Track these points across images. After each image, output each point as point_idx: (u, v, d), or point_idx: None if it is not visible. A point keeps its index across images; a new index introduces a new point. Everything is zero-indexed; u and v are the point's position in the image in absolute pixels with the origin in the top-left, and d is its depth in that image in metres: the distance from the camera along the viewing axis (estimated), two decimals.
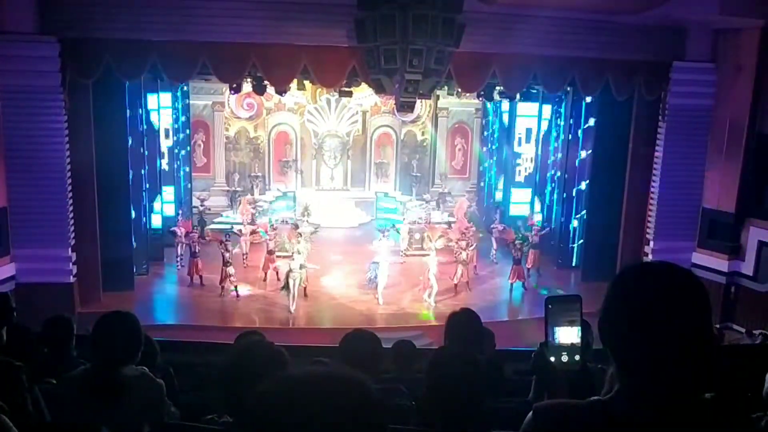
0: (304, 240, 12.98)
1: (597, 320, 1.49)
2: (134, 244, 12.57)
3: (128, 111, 12.22)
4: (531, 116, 16.24)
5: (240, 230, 14.33)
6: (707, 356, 1.37)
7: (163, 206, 14.86)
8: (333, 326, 10.99)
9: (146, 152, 13.48)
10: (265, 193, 18.84)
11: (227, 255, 12.45)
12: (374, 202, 18.48)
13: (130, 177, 12.28)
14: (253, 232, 14.29)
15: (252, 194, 18.58)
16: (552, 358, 1.83)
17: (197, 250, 12.95)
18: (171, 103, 15.56)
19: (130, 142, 12.24)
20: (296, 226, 14.10)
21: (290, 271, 11.82)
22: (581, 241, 14.29)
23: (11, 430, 2.70)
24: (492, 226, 15.35)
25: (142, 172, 13.24)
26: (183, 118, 16.59)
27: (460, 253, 12.91)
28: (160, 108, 14.65)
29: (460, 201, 16.71)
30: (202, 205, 16.81)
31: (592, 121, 13.79)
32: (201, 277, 12.94)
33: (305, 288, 12.25)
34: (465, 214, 16.25)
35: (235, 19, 10.25)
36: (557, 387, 1.85)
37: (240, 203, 16.90)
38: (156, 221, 14.45)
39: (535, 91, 13.40)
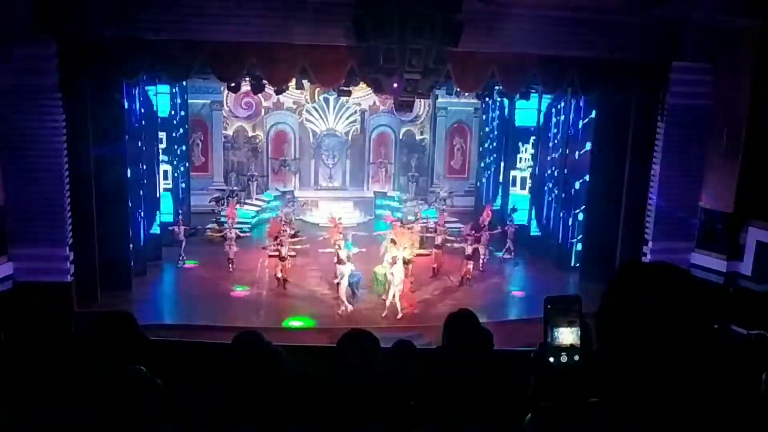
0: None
1: (595, 320, 1.48)
2: (132, 243, 12.53)
3: (126, 110, 12.20)
4: (529, 114, 16.21)
5: (227, 233, 13.66)
6: (705, 357, 1.37)
7: (162, 208, 14.85)
8: (331, 326, 10.99)
9: (144, 151, 13.46)
10: (263, 193, 18.88)
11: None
12: (373, 202, 18.55)
13: (128, 176, 12.25)
14: (238, 237, 13.83)
15: (250, 194, 18.63)
16: (551, 359, 1.82)
17: (285, 253, 12.69)
18: (169, 103, 15.55)
19: (127, 141, 12.20)
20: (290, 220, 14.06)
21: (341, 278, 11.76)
22: (580, 236, 14.30)
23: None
24: (506, 227, 15.26)
25: (140, 171, 13.21)
26: (181, 117, 16.59)
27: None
28: (158, 107, 14.63)
29: (486, 208, 16.07)
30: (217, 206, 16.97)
31: (590, 122, 13.80)
32: (286, 280, 12.71)
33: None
34: (489, 221, 15.91)
35: (233, 18, 10.25)
36: (556, 388, 1.84)
37: (228, 203, 16.94)
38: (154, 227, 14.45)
39: (534, 91, 13.39)
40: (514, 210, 15.93)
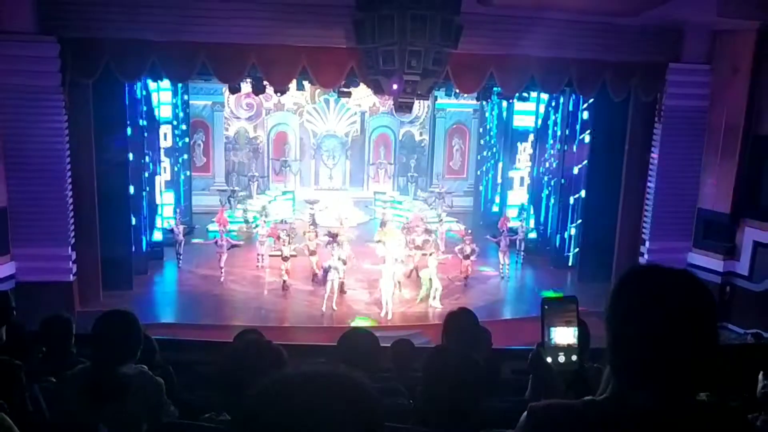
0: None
1: (595, 319, 1.49)
2: (133, 243, 12.57)
3: (128, 111, 12.22)
4: (528, 113, 16.25)
5: (218, 241, 13.14)
6: (708, 359, 1.37)
7: (164, 215, 14.84)
8: (331, 325, 11.03)
9: (146, 151, 13.49)
10: (266, 192, 18.90)
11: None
12: (372, 202, 18.56)
13: (130, 176, 12.29)
14: (232, 246, 13.38)
15: (251, 194, 18.64)
16: (549, 359, 1.82)
17: (287, 253, 12.60)
18: (171, 103, 15.57)
19: (129, 140, 12.22)
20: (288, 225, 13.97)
21: (329, 269, 11.77)
22: (576, 249, 14.35)
23: (11, 429, 2.73)
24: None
25: (141, 171, 13.23)
26: (183, 120, 16.62)
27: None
28: (160, 107, 14.66)
29: (505, 213, 15.84)
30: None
31: (588, 122, 13.81)
32: (286, 280, 12.62)
33: (342, 284, 12.22)
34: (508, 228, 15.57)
35: (234, 19, 10.26)
36: (554, 388, 1.86)
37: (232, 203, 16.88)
38: (156, 236, 14.50)
39: (533, 93, 13.41)
40: (523, 210, 15.95)
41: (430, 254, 12.36)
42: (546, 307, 1.83)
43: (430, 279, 12.07)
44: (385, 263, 11.76)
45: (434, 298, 12.02)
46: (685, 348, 1.35)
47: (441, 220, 15.58)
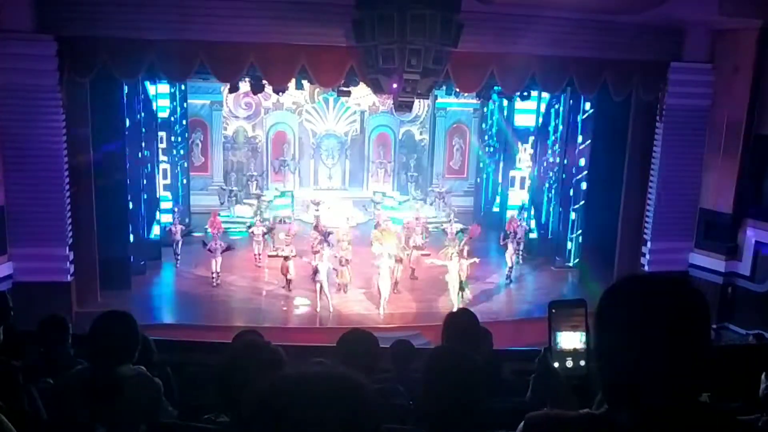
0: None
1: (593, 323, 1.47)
2: (131, 243, 12.54)
3: (126, 110, 12.21)
4: (530, 111, 16.21)
5: (211, 245, 12.77)
6: (702, 369, 1.34)
7: (161, 216, 14.78)
8: (330, 326, 11.01)
9: (144, 151, 13.47)
10: (264, 193, 18.88)
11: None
12: (372, 202, 18.53)
13: (128, 176, 12.27)
14: (226, 249, 13.03)
15: (249, 194, 18.61)
16: (556, 364, 1.81)
17: (290, 253, 12.49)
18: (169, 103, 15.55)
19: (127, 140, 12.21)
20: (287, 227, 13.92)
21: (317, 272, 11.78)
22: (577, 260, 14.34)
23: (8, 429, 2.70)
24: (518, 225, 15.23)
25: (140, 171, 13.22)
26: (181, 118, 16.59)
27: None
28: (158, 107, 14.63)
29: (511, 215, 15.78)
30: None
31: (589, 127, 13.80)
32: (290, 281, 12.54)
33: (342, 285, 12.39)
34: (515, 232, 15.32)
35: (233, 18, 10.24)
36: (559, 393, 1.84)
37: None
38: (155, 231, 14.44)
39: (533, 93, 13.39)
40: (523, 209, 15.94)
41: (450, 258, 12.17)
42: (553, 311, 1.81)
43: (461, 282, 11.99)
44: (382, 260, 11.78)
45: (463, 298, 12.02)
46: (669, 364, 1.31)
47: (450, 220, 15.55)
